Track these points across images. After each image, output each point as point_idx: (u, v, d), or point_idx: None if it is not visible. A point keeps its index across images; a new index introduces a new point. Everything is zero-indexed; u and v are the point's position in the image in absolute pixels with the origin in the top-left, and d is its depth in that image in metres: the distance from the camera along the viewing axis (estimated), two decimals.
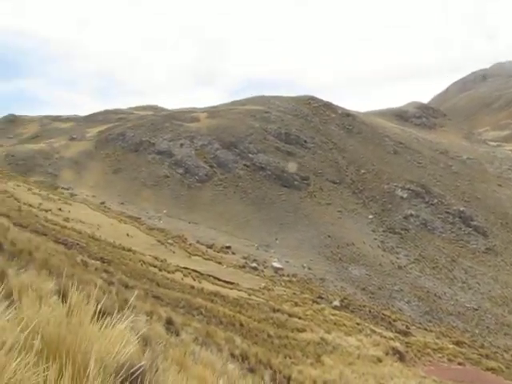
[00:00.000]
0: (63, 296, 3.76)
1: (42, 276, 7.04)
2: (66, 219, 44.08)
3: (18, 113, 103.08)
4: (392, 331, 34.94)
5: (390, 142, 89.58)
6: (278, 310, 31.34)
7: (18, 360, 1.65)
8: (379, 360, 22.77)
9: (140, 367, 2.17)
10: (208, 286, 33.45)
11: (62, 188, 63.98)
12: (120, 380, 1.99)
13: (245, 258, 51.43)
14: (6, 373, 1.54)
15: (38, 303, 3.42)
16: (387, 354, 24.33)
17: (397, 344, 26.96)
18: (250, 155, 74.55)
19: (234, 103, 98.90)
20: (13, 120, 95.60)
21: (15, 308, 2.32)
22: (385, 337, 29.48)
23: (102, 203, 60.40)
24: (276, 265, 51.56)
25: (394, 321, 41.84)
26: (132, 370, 2.09)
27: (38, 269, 8.07)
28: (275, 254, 55.12)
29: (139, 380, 2.06)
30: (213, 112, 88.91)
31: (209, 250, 51.43)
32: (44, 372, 1.70)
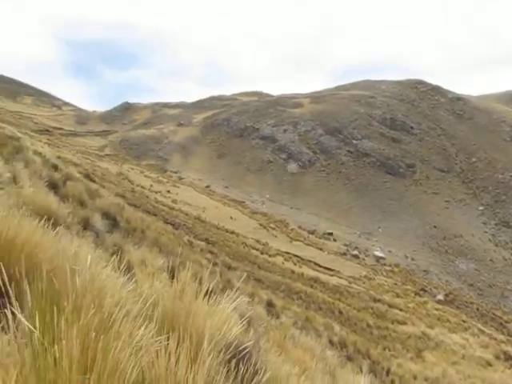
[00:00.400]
0: (172, 273, 3.97)
1: (153, 253, 7.51)
2: (174, 201, 46.56)
3: (131, 100, 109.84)
4: (504, 334, 32.72)
5: (506, 127, 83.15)
6: (379, 300, 30.75)
7: (143, 328, 1.83)
8: (488, 364, 21.32)
9: (246, 347, 2.27)
10: (308, 272, 33.67)
11: (171, 171, 67.44)
12: (228, 357, 2.10)
13: (346, 245, 50.93)
14: (134, 337, 1.74)
15: (151, 278, 3.66)
16: (498, 358, 22.75)
17: (509, 349, 25.08)
18: (354, 141, 73.24)
19: (337, 88, 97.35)
20: (128, 107, 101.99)
21: (133, 282, 2.52)
22: (495, 339, 27.62)
23: (207, 186, 62.80)
24: (378, 253, 50.47)
25: (507, 322, 39.16)
26: (240, 349, 2.20)
27: (149, 246, 8.63)
28: (377, 243, 53.94)
29: (246, 359, 2.15)
30: (316, 97, 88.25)
31: (310, 235, 51.60)
32: (164, 341, 1.86)
